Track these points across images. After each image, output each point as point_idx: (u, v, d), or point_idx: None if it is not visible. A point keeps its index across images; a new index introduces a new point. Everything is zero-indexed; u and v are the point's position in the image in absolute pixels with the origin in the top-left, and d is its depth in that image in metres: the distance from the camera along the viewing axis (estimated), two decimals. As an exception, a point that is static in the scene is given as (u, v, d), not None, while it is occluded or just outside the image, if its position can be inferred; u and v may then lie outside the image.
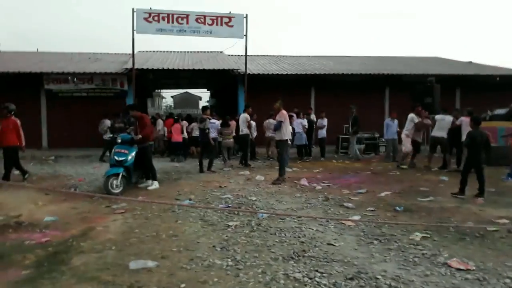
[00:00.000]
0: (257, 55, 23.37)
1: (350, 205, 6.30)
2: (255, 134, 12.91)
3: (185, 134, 14.11)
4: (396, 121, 12.91)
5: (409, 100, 15.73)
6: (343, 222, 5.19)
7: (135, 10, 14.33)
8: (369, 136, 15.33)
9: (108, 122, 13.83)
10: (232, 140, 12.38)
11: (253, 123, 12.84)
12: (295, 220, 5.31)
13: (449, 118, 10.46)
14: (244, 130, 11.72)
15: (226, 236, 4.62)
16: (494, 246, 4.27)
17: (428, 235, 4.59)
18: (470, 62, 22.94)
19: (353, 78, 17.48)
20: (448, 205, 6.28)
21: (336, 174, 9.91)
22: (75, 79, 16.15)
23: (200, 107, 61.68)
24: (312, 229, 4.91)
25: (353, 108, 13.56)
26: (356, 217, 5.46)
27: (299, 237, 4.58)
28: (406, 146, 10.78)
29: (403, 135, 10.95)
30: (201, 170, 10.40)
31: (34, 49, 26.13)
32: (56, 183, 9.04)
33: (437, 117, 10.79)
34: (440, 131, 10.40)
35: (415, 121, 10.82)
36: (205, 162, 10.51)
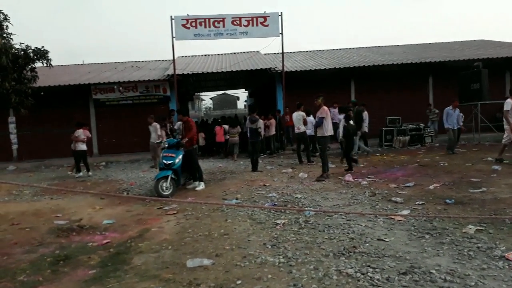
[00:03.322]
0: (294, 52, 23.33)
1: (398, 199, 6.20)
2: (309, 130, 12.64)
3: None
4: (457, 111, 12.21)
5: (455, 87, 15.22)
6: (392, 217, 5.14)
7: (173, 17, 14.79)
8: (413, 127, 14.89)
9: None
10: (237, 138, 14.32)
11: (311, 119, 12.81)
12: (343, 217, 5.33)
13: None
14: (301, 128, 11.64)
15: (275, 234, 4.73)
16: (555, 237, 4.09)
17: (483, 228, 4.46)
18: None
19: (394, 68, 17.04)
20: (503, 196, 6.03)
21: (381, 168, 9.75)
22: (121, 88, 16.91)
23: (238, 107, 62.43)
24: (361, 225, 4.91)
25: (354, 103, 13.02)
26: (406, 212, 5.39)
27: (348, 233, 4.60)
28: (504, 137, 9.24)
29: (506, 126, 9.19)
30: (254, 169, 10.60)
31: (80, 62, 27.55)
32: (109, 187, 9.55)
33: None
34: None
35: (509, 107, 8.97)
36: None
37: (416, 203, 5.94)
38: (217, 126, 15.76)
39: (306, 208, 5.87)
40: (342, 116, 13.05)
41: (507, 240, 4.06)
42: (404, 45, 24.04)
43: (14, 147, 16.93)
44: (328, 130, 9.06)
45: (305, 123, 11.59)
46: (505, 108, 9.05)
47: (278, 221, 5.25)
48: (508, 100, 9.05)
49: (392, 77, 17.22)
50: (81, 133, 11.95)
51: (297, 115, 11.71)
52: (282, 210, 5.85)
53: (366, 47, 24.04)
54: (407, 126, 14.83)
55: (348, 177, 8.46)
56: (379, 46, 24.08)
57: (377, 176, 8.66)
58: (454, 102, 12.33)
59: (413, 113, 16.05)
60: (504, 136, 9.27)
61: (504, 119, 9.19)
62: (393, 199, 6.27)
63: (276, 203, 6.50)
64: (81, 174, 11.76)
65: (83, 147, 11.95)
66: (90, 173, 11.94)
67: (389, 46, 24.05)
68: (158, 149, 11.87)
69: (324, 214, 5.48)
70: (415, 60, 17.35)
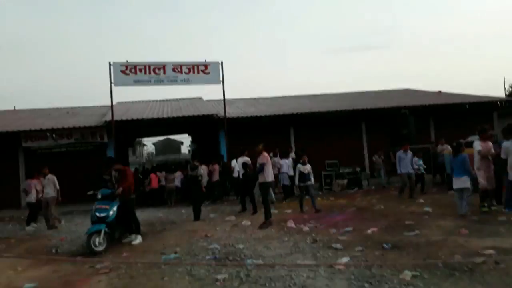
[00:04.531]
0: (235, 99, 23.77)
1: (338, 246, 6.25)
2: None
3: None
4: (409, 154, 11.66)
5: (385, 132, 16.29)
6: (333, 266, 5.14)
7: (111, 63, 14.55)
8: (350, 171, 15.50)
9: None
10: (174, 184, 14.84)
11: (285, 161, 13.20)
12: (285, 268, 5.23)
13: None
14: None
15: (215, 291, 4.50)
16: (483, 279, 4.27)
17: (418, 273, 4.57)
18: (440, 91, 23.83)
19: (330, 115, 17.94)
20: (434, 238, 6.31)
21: (321, 213, 9.89)
22: (54, 135, 16.02)
23: (182, 152, 61.69)
24: (303, 275, 4.83)
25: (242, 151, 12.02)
26: (345, 259, 5.42)
27: (290, 286, 4.50)
28: (480, 181, 8.12)
29: (475, 170, 8.25)
30: (197, 218, 10.32)
31: (11, 108, 25.98)
32: (36, 244, 8.71)
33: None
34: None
35: (478, 148, 8.20)
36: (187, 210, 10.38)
37: (356, 249, 6.02)
38: (152, 173, 15.86)
39: (247, 263, 5.64)
40: (285, 161, 13.35)
41: (441, 285, 4.18)
42: (336, 93, 25.48)
43: None
44: (269, 176, 9.12)
45: (250, 168, 11.46)
46: (476, 149, 8.19)
47: (218, 276, 5.01)
48: (477, 141, 8.42)
49: (329, 123, 18.10)
50: (25, 184, 11.74)
51: (241, 161, 11.64)
52: (223, 265, 5.62)
53: (303, 95, 25.17)
54: (345, 170, 15.41)
55: (290, 224, 8.46)
56: (314, 95, 25.31)
57: (318, 220, 8.77)
58: (405, 146, 11.78)
59: (350, 157, 16.82)
60: (481, 181, 8.09)
61: (475, 162, 8.25)
62: (333, 245, 6.31)
63: (217, 256, 6.26)
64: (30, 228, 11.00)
65: (28, 199, 11.41)
66: (27, 227, 11.01)
67: (323, 94, 25.40)
68: (52, 206, 10.98)
69: (266, 266, 5.35)
70: (348, 107, 18.42)
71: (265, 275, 4.98)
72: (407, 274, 4.52)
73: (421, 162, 12.49)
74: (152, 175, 15.53)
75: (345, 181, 15.03)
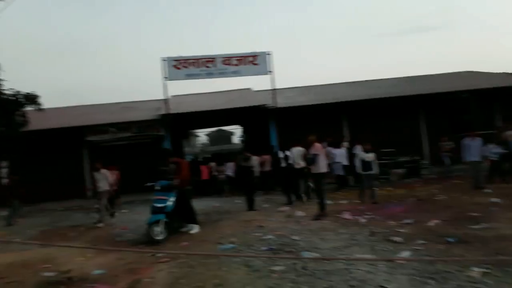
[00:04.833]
0: (285, 88, 23.56)
1: (398, 238, 6.02)
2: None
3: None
4: (478, 141, 10.78)
5: (445, 118, 15.40)
6: (393, 260, 4.95)
7: (164, 59, 14.99)
8: (409, 159, 14.84)
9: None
10: (224, 175, 15.39)
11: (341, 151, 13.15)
12: (342, 261, 5.12)
13: None
14: (301, 163, 11.19)
15: (272, 283, 4.51)
16: None
17: (489, 271, 4.28)
18: (506, 73, 22.01)
19: (385, 101, 17.22)
20: (505, 232, 5.87)
21: (379, 204, 9.58)
22: (114, 129, 16.90)
23: (233, 142, 62.52)
24: (361, 269, 4.70)
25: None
26: (407, 253, 5.20)
27: (348, 280, 4.40)
28: None
29: None
30: (250, 208, 10.46)
31: (75, 103, 27.59)
32: (101, 233, 9.26)
33: None
34: None
35: None
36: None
37: (417, 242, 5.76)
38: (202, 164, 16.24)
39: (303, 256, 5.59)
40: (338, 151, 13.06)
41: (515, 284, 3.88)
42: (391, 78, 24.29)
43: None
44: (323, 167, 8.94)
45: (305, 159, 11.23)
46: None
47: (275, 268, 5.02)
48: None
49: (384, 110, 17.37)
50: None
51: (297, 151, 11.42)
52: (279, 257, 5.62)
53: (354, 82, 24.26)
54: (403, 159, 14.80)
55: (346, 215, 8.28)
56: (367, 80, 24.33)
57: (376, 212, 8.49)
58: (471, 132, 11.13)
59: (407, 145, 16.09)
60: None
61: None
62: (392, 238, 6.08)
63: (273, 247, 6.28)
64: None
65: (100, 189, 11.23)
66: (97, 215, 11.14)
67: (377, 80, 24.32)
68: (104, 199, 10.99)
69: (323, 259, 5.27)
70: (404, 93, 17.58)
71: (322, 267, 4.91)
72: (476, 271, 4.25)
73: (496, 150, 11.52)
74: (202, 167, 15.87)
75: (403, 171, 14.44)
